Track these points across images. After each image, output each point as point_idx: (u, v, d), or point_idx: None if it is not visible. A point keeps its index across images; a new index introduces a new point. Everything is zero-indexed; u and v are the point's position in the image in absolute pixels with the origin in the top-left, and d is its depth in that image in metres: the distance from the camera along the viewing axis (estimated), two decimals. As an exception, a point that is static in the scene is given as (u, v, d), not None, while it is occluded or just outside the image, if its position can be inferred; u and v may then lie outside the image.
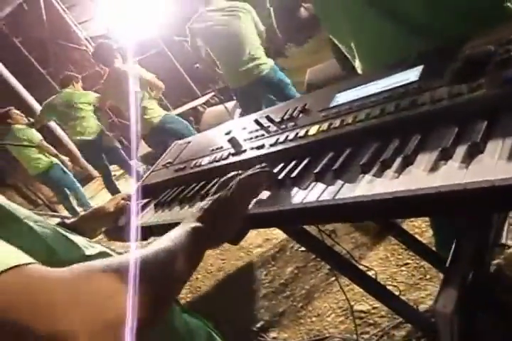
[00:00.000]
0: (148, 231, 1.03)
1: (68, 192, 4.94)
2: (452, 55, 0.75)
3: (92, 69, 7.63)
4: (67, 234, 0.65)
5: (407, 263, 1.93)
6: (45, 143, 4.63)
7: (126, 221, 1.13)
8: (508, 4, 0.99)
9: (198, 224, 0.65)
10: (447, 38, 0.94)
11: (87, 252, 0.64)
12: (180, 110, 7.16)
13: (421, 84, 0.74)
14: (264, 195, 0.78)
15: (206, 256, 0.64)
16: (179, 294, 0.56)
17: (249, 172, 0.76)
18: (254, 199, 0.76)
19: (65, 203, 5.07)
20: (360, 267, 1.98)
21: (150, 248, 0.53)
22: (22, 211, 0.64)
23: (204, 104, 6.54)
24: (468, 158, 0.54)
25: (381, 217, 0.63)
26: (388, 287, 1.86)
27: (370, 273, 1.95)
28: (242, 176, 0.74)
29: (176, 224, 0.66)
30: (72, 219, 1.14)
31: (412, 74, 0.78)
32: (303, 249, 2.40)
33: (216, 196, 0.71)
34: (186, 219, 0.69)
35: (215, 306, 2.39)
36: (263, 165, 0.80)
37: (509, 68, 0.62)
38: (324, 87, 1.04)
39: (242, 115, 5.14)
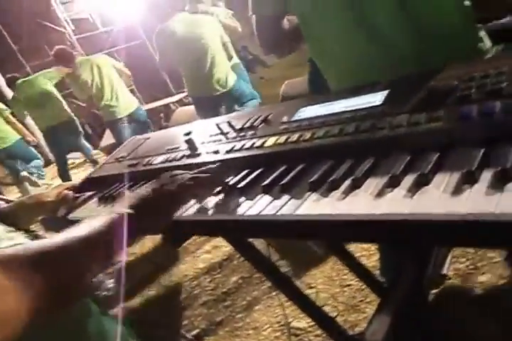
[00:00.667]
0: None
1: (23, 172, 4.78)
2: (419, 84, 0.76)
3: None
4: None
5: (350, 284, 1.94)
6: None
7: (66, 212, 1.07)
8: (482, 44, 1.02)
9: (127, 211, 0.61)
10: (422, 65, 0.95)
11: (1, 244, 0.59)
12: (151, 105, 7.04)
13: (384, 109, 0.73)
14: (211, 201, 0.75)
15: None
16: (88, 284, 0.52)
17: (192, 172, 0.74)
18: (196, 204, 0.73)
19: (18, 183, 4.89)
20: (303, 284, 1.99)
21: (62, 235, 0.50)
22: None
23: (177, 102, 6.46)
24: (415, 188, 0.53)
25: (321, 238, 0.61)
26: (328, 306, 1.86)
27: (311, 291, 1.96)
28: (185, 175, 0.72)
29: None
30: (7, 205, 1.07)
31: (377, 98, 0.78)
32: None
33: (153, 186, 0.68)
34: (118, 204, 0.65)
35: (154, 310, 2.32)
36: (214, 166, 0.78)
37: (467, 104, 0.62)
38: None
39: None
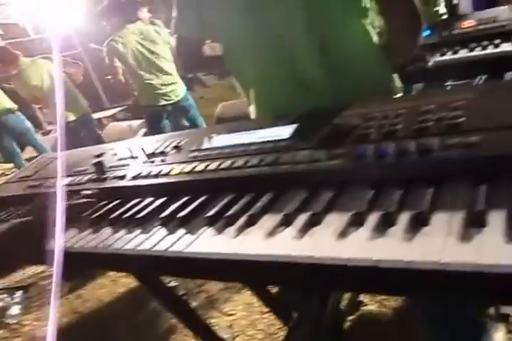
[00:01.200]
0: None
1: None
2: (326, 120, 0.77)
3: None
4: None
5: (271, 311, 1.92)
6: None
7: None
8: (393, 84, 1.07)
9: None
10: (337, 100, 0.98)
11: None
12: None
13: (289, 143, 0.73)
14: (106, 231, 0.70)
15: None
16: None
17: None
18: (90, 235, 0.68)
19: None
20: (222, 312, 1.94)
21: None
22: None
23: (110, 117, 6.25)
24: (306, 228, 0.52)
25: (212, 279, 0.59)
26: (247, 334, 1.82)
27: (231, 318, 1.92)
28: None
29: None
30: None
31: (286, 131, 0.78)
32: (173, 284, 2.29)
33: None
34: None
35: (69, 336, 2.15)
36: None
37: (365, 144, 0.63)
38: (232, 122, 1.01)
39: (145, 135, 4.98)
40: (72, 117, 3.83)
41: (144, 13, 3.89)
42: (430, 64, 1.46)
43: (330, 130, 0.72)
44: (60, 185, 0.96)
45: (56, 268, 0.58)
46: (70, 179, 0.98)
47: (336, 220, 0.52)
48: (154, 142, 0.99)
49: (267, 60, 1.04)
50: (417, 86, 2.46)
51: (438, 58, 1.42)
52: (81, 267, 0.74)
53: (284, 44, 1.00)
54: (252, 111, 1.17)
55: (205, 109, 4.44)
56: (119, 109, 6.26)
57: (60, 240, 0.63)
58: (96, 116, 6.54)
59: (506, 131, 0.55)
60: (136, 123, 4.96)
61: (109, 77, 5.04)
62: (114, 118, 6.05)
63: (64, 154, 1.26)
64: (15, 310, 2.47)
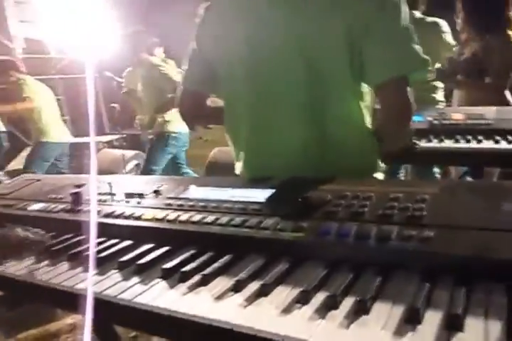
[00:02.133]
0: None
1: None
2: (303, 190, 0.80)
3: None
4: None
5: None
6: None
7: None
8: (381, 165, 1.11)
9: None
10: (318, 171, 1.02)
11: None
12: (80, 140, 6.80)
13: (261, 208, 0.76)
14: (61, 265, 0.70)
15: None
16: None
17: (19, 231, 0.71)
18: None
19: None
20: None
21: None
22: None
23: (107, 143, 6.29)
24: (253, 298, 0.53)
25: (155, 333, 0.59)
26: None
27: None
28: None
29: None
30: None
31: (261, 195, 0.81)
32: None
33: None
34: None
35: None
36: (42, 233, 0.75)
37: (330, 221, 0.66)
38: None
39: (136, 166, 5.01)
40: None
41: (160, 52, 4.12)
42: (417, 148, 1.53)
43: (302, 201, 0.75)
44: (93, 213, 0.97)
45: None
46: (43, 205, 0.99)
47: (283, 294, 0.53)
48: (136, 182, 1.01)
49: (259, 126, 1.10)
50: (405, 166, 2.54)
51: (424, 144, 1.50)
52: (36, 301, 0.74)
53: (280, 113, 1.05)
54: (237, 167, 1.21)
55: (204, 151, 4.49)
56: (117, 136, 6.32)
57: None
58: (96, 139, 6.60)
59: (460, 231, 0.58)
60: (129, 153, 5.00)
61: (115, 105, 5.15)
62: (110, 144, 6.09)
63: (46, 177, 1.27)
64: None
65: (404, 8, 0.97)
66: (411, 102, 0.99)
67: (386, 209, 0.68)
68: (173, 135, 3.44)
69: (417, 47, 0.95)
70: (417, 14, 2.28)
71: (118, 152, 5.16)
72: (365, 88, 1.05)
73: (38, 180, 1.22)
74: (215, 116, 1.24)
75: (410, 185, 0.78)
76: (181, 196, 0.87)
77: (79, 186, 1.08)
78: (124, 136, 6.32)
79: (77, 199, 0.96)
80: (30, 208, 0.97)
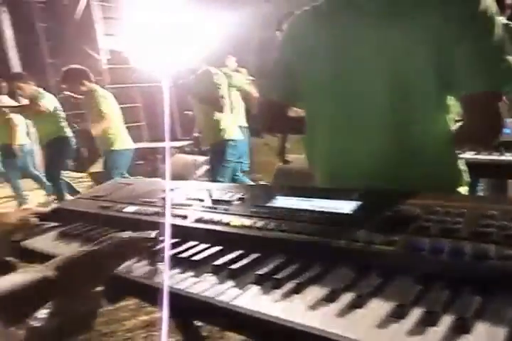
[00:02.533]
0: (29, 255, 0.98)
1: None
2: (390, 203, 0.80)
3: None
4: None
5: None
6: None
7: (22, 237, 1.06)
8: (461, 177, 1.08)
9: (50, 274, 0.62)
10: (401, 183, 1.01)
11: None
12: (152, 145, 7.17)
13: (349, 220, 0.77)
14: (158, 266, 0.75)
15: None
16: None
17: (134, 235, 0.76)
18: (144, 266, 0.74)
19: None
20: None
21: None
22: None
23: (178, 148, 6.57)
24: (349, 308, 0.55)
25: (250, 336, 0.62)
26: None
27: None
28: (123, 236, 0.73)
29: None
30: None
31: (348, 207, 0.82)
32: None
33: (85, 248, 0.69)
34: (46, 265, 0.66)
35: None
36: (154, 233, 0.79)
37: (422, 237, 0.66)
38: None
39: (206, 171, 5.17)
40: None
41: (232, 61, 4.27)
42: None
43: (391, 215, 0.75)
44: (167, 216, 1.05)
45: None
46: (136, 208, 1.06)
47: (378, 307, 0.54)
48: (221, 189, 1.06)
49: (340, 135, 1.10)
50: (483, 180, 2.42)
51: (507, 157, 1.43)
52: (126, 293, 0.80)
53: (363, 125, 1.06)
54: (314, 176, 1.22)
55: (267, 157, 4.53)
56: (188, 142, 6.57)
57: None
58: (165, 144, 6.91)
59: None
60: (200, 159, 5.17)
61: (188, 112, 5.37)
62: (182, 150, 6.35)
63: (135, 182, 1.36)
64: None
65: (498, 18, 0.94)
66: (501, 115, 0.95)
67: (482, 226, 0.66)
68: (231, 143, 3.39)
69: (511, 59, 0.91)
70: (503, 20, 2.17)
71: (189, 157, 5.37)
72: (451, 100, 1.02)
73: (129, 184, 1.31)
74: (295, 126, 1.26)
75: (503, 202, 0.75)
76: (266, 204, 0.90)
77: (170, 190, 1.16)
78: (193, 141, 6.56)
79: (166, 202, 1.02)
80: (126, 210, 1.05)
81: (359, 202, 0.83)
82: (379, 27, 1.01)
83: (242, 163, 3.87)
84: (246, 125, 4.37)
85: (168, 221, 0.83)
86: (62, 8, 7.73)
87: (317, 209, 0.83)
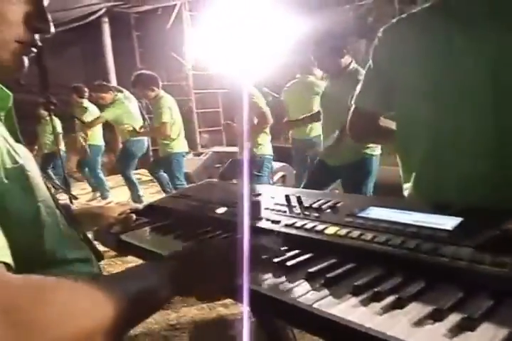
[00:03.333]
0: (125, 248, 1.04)
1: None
2: (495, 222, 0.75)
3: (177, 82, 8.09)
4: (62, 228, 0.68)
5: None
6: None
7: (120, 231, 1.14)
8: None
9: (177, 264, 0.64)
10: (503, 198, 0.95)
11: (69, 255, 0.68)
12: (229, 149, 7.35)
13: (451, 236, 0.73)
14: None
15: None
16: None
17: (263, 240, 0.77)
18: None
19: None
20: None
21: (122, 275, 0.54)
22: (42, 190, 0.68)
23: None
24: (457, 329, 0.52)
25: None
26: None
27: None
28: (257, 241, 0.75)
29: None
30: (77, 208, 1.16)
31: (449, 223, 0.78)
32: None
33: (212, 240, 0.72)
34: (171, 253, 0.70)
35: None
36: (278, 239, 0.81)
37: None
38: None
39: (282, 177, 5.21)
40: None
41: (318, 70, 4.32)
42: None
43: (498, 234, 0.70)
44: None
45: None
46: (225, 209, 1.09)
47: (491, 332, 0.51)
48: (312, 196, 1.06)
49: (438, 148, 1.06)
50: None
51: None
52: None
53: (464, 138, 1.01)
54: (406, 188, 1.18)
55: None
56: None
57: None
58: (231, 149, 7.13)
59: None
60: (277, 165, 5.21)
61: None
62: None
63: (223, 184, 1.40)
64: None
65: None
66: None
67: None
68: (267, 157, 3.51)
69: None
70: None
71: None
72: None
73: (218, 186, 1.35)
74: (385, 135, 1.23)
75: None
76: (360, 215, 0.89)
77: (256, 195, 1.18)
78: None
79: (257, 206, 1.04)
80: (218, 211, 1.08)
81: (460, 219, 0.79)
82: (481, 37, 0.96)
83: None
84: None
85: (246, 222, 0.85)
86: (155, 17, 8.23)
87: (415, 223, 0.80)
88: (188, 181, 6.16)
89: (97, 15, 7.10)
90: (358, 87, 1.24)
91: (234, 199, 1.17)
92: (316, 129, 4.36)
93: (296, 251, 0.81)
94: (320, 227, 0.85)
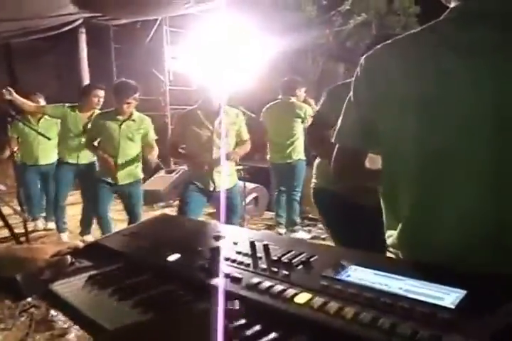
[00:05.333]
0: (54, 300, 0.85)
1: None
2: (506, 295, 0.60)
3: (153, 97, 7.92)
4: None
5: None
6: None
7: (51, 277, 0.94)
8: None
9: None
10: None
11: None
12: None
13: (453, 319, 0.57)
14: None
15: None
16: None
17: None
18: None
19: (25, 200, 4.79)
20: None
21: None
22: None
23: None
24: None
25: None
26: None
27: None
28: None
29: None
30: (1, 247, 0.96)
31: (450, 297, 0.62)
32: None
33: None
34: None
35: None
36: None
37: None
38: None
39: (254, 199, 5.05)
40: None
41: (302, 91, 4.23)
42: None
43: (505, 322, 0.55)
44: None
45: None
46: (179, 256, 0.91)
47: None
48: (282, 243, 0.89)
49: (427, 193, 0.92)
50: None
51: None
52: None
53: (452, 179, 0.88)
54: (389, 237, 1.03)
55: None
56: (239, 167, 6.48)
57: None
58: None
59: None
60: (250, 186, 5.04)
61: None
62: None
63: (182, 220, 1.22)
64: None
65: None
66: None
67: None
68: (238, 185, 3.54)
69: None
70: None
71: (239, 183, 5.25)
72: None
73: (176, 222, 1.17)
74: (373, 175, 1.09)
75: None
76: (340, 277, 0.72)
77: (217, 238, 1.00)
78: (247, 167, 6.47)
79: (216, 256, 0.86)
80: (169, 258, 0.90)
81: (462, 292, 0.63)
82: (484, 68, 0.84)
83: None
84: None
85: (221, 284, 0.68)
86: (135, 31, 8.10)
87: (406, 293, 0.64)
88: (157, 199, 5.90)
89: (73, 25, 6.88)
90: (338, 122, 1.09)
91: (191, 242, 1.00)
92: (297, 152, 4.25)
93: (257, 328, 0.63)
94: (289, 293, 0.68)
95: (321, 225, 4.82)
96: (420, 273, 0.70)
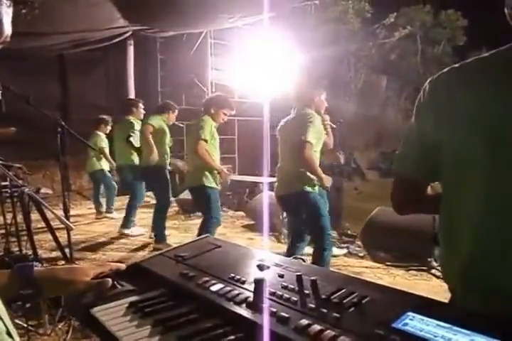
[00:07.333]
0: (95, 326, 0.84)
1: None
2: None
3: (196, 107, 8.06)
4: None
5: None
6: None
7: (92, 301, 0.93)
8: None
9: None
10: None
11: None
12: (242, 177, 7.21)
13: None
14: None
15: None
16: None
17: None
18: None
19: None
20: None
21: None
22: None
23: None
24: None
25: None
26: None
27: None
28: None
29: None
30: (39, 269, 0.94)
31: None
32: None
33: None
34: None
35: None
36: None
37: None
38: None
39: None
40: None
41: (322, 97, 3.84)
42: None
43: None
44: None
45: None
46: (222, 287, 0.88)
47: None
48: (331, 279, 0.84)
49: (495, 230, 0.85)
50: None
51: None
52: None
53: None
54: (447, 275, 0.96)
55: (355, 202, 4.20)
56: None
57: None
58: (253, 179, 6.96)
59: None
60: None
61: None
62: (271, 186, 6.29)
63: (223, 244, 1.18)
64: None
65: None
66: None
67: None
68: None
69: None
70: None
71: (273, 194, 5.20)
72: None
73: (219, 247, 1.14)
74: (430, 205, 1.02)
75: None
76: (396, 326, 0.66)
77: (261, 267, 0.96)
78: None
79: (259, 290, 0.82)
80: (212, 288, 0.87)
81: None
82: None
83: None
84: None
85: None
86: (180, 43, 8.30)
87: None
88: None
89: (123, 37, 7.13)
90: (398, 151, 1.04)
91: (234, 270, 0.96)
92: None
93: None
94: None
95: (359, 242, 4.68)
96: (491, 327, 0.63)
